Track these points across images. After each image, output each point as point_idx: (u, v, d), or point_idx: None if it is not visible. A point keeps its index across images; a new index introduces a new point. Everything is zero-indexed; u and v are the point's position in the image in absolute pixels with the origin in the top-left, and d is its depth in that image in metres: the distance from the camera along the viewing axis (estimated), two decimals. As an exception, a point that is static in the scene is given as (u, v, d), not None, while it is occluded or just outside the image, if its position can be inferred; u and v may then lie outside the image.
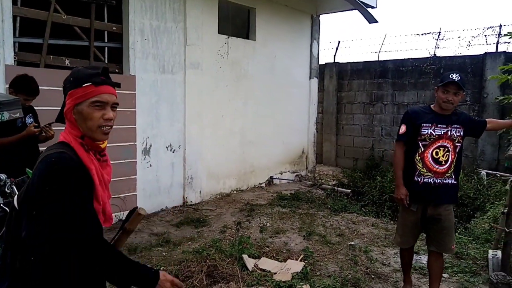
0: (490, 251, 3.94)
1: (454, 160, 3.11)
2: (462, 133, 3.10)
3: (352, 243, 4.81)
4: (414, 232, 3.30)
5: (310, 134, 9.07)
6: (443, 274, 3.90)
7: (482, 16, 31.58)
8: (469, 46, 8.91)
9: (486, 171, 3.50)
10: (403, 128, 3.20)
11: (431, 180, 3.10)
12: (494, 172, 3.74)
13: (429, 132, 3.09)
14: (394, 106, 9.93)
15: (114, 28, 5.42)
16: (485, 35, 8.62)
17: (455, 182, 3.15)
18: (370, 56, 10.67)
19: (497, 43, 8.48)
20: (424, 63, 9.25)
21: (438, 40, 9.24)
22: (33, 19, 4.69)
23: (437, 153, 3.09)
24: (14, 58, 4.47)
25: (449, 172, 3.11)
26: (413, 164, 3.16)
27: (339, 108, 11.05)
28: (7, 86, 4.29)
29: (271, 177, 8.14)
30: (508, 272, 3.55)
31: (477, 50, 8.81)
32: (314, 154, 9.33)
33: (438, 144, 3.09)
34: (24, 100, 3.60)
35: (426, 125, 3.09)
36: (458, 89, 2.99)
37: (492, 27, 8.56)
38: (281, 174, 8.38)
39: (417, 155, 3.15)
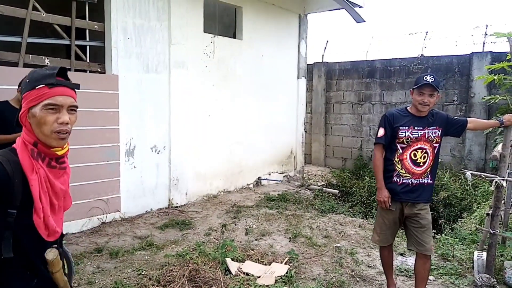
0: (476, 253, 3.91)
1: (432, 161, 3.15)
2: (440, 134, 3.14)
3: (338, 245, 4.76)
4: (392, 230, 3.33)
5: (298, 134, 9.02)
6: (428, 277, 3.87)
7: (469, 15, 31.83)
8: (456, 46, 8.91)
9: (471, 171, 3.49)
10: (381, 131, 3.23)
11: (409, 181, 3.15)
12: (479, 173, 3.73)
13: (406, 135, 3.13)
14: (382, 106, 9.92)
15: (96, 26, 5.29)
16: (472, 35, 8.65)
17: (431, 181, 3.19)
18: (358, 56, 10.62)
19: (484, 43, 8.51)
20: (412, 63, 9.26)
21: (425, 40, 9.24)
22: (11, 17, 4.56)
23: (415, 155, 3.13)
24: (-10, 57, 4.34)
25: (426, 172, 3.15)
26: (392, 165, 3.21)
27: (328, 108, 11.02)
28: (-17, 86, 4.18)
29: (259, 178, 8.07)
30: (493, 274, 3.53)
31: (464, 49, 8.83)
32: (303, 154, 9.28)
33: (416, 146, 3.13)
34: None
35: (404, 128, 3.14)
36: (433, 90, 3.04)
37: (479, 26, 8.59)
38: (269, 174, 8.31)
39: (396, 157, 3.20)
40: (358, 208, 7.61)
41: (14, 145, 1.45)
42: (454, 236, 5.14)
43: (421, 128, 3.12)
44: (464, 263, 4.19)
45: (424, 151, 3.11)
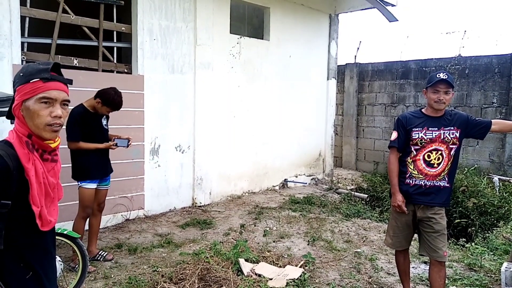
0: (504, 264, 3.65)
1: (448, 163, 3.00)
2: (458, 135, 2.97)
3: (359, 250, 4.60)
4: (405, 233, 3.22)
5: (327, 136, 8.86)
6: (451, 287, 3.67)
7: (511, 13, 29.88)
8: (496, 45, 8.42)
9: (499, 176, 3.27)
10: (394, 135, 3.16)
11: (422, 182, 3.03)
12: (508, 178, 3.47)
13: (420, 136, 3.03)
14: (417, 108, 9.52)
15: (123, 28, 5.44)
16: (514, 34, 8.13)
17: (448, 185, 3.04)
18: (392, 56, 10.28)
19: (527, 42, 8.00)
20: (448, 63, 8.84)
21: (463, 39, 8.80)
22: (43, 20, 4.78)
23: (429, 156, 3.01)
24: (23, 58, 4.55)
25: (442, 174, 3.01)
26: (405, 166, 3.12)
27: (360, 110, 10.74)
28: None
29: (286, 180, 7.98)
30: (521, 288, 3.28)
31: (505, 49, 8.28)
32: (332, 157, 9.10)
33: (431, 148, 3.01)
34: (107, 111, 3.99)
35: (417, 129, 3.04)
36: (448, 87, 2.93)
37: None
38: (296, 177, 8.21)
39: (409, 158, 3.10)
40: (388, 214, 7.34)
41: (6, 138, 1.49)
42: (484, 245, 4.84)
43: (436, 128, 2.99)
44: (492, 275, 3.93)
45: (439, 152, 2.98)
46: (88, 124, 3.87)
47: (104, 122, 4.10)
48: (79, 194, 3.92)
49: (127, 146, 4.16)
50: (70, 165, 3.91)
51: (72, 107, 3.90)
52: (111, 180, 5.26)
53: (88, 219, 4.13)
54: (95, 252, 4.14)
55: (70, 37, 5.26)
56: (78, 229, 3.88)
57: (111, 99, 3.88)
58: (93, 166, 3.93)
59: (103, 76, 5.21)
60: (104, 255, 4.16)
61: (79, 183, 3.91)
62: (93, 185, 3.95)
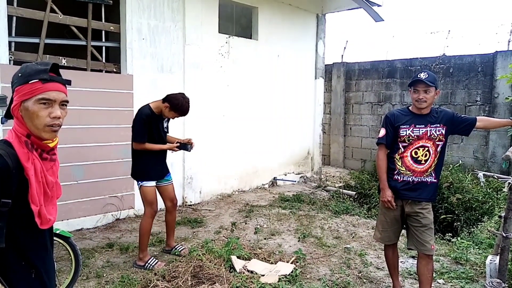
0: (489, 257, 3.76)
1: (435, 159, 3.09)
2: (444, 132, 3.07)
3: (348, 246, 4.68)
4: (393, 228, 3.30)
5: (315, 135, 8.95)
6: (438, 280, 3.78)
7: (494, 13, 30.51)
8: (479, 44, 8.63)
9: (483, 172, 3.38)
10: (382, 132, 3.24)
11: (410, 179, 3.12)
12: (492, 174, 3.60)
13: (407, 133, 3.11)
14: (403, 107, 9.70)
15: (111, 27, 5.42)
16: (496, 33, 8.34)
17: (435, 180, 3.13)
18: (378, 56, 10.44)
19: (509, 41, 8.19)
20: (433, 62, 9.02)
21: (447, 39, 8.98)
22: (31, 19, 4.73)
23: (416, 153, 3.10)
24: (10, 57, 4.51)
25: (429, 171, 3.10)
26: (393, 163, 3.20)
27: (347, 109, 10.88)
28: (3, 84, 4.35)
29: (275, 178, 8.05)
30: (506, 279, 3.39)
31: (488, 48, 8.49)
32: (320, 155, 9.20)
33: (418, 145, 3.10)
34: (173, 116, 3.99)
35: (404, 126, 3.12)
36: (426, 86, 3.01)
37: (504, 24, 8.28)
38: (285, 175, 8.28)
39: (397, 154, 3.18)
40: (376, 211, 7.46)
41: (6, 138, 1.51)
42: (470, 239, 4.97)
43: (423, 126, 3.08)
44: (477, 268, 4.05)
45: (426, 149, 3.07)
46: (151, 126, 3.91)
47: (165, 124, 4.12)
48: (141, 193, 4.02)
49: (190, 150, 4.14)
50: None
51: (139, 107, 3.97)
52: (102, 180, 5.29)
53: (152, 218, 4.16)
54: (173, 245, 4.38)
55: (58, 37, 5.24)
56: (146, 229, 3.99)
57: (179, 105, 3.87)
58: (152, 167, 4.00)
59: (92, 76, 5.19)
60: (179, 248, 4.34)
61: (139, 183, 4.00)
62: (152, 183, 4.02)
